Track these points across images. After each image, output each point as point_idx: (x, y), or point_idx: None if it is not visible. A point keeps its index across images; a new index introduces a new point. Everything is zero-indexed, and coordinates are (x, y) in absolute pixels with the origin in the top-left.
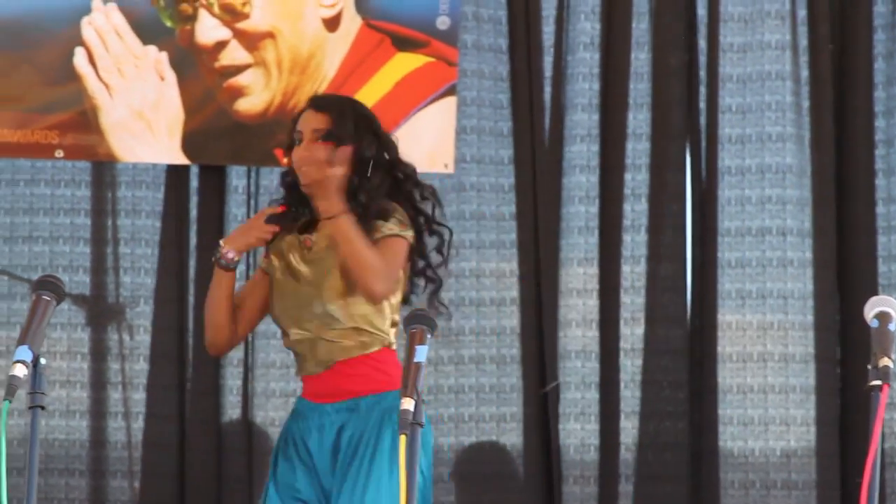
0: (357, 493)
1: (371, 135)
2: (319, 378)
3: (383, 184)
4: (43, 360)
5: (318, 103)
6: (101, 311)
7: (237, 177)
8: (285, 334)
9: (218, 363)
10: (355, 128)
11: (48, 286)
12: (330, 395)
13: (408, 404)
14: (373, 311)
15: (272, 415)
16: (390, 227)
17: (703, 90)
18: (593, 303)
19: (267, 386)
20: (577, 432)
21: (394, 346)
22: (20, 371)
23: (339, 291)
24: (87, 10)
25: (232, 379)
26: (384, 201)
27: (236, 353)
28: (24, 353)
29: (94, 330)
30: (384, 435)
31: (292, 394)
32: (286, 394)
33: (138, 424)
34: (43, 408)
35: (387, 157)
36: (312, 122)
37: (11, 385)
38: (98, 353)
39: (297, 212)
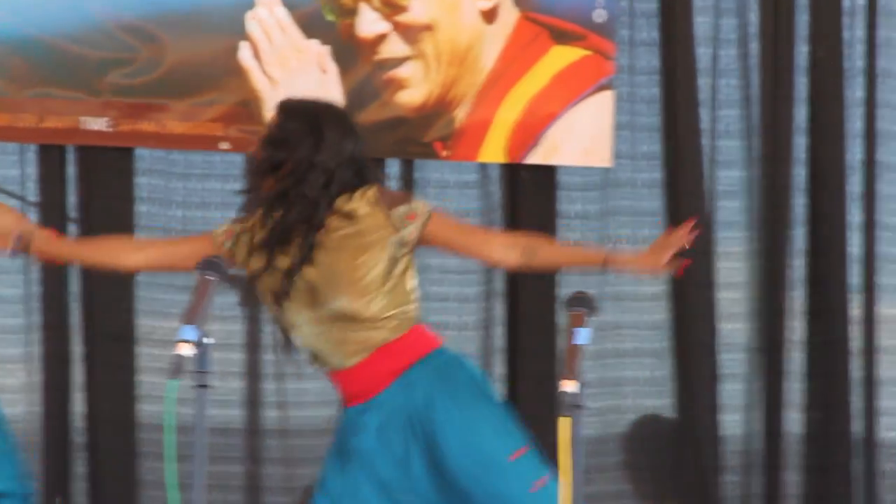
0: (468, 437)
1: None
2: (355, 370)
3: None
4: (208, 340)
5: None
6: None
7: (390, 168)
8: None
9: None
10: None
11: (212, 266)
12: (375, 386)
13: (569, 386)
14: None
15: None
16: (420, 204)
17: (862, 83)
18: (743, 296)
19: None
20: (738, 423)
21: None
22: (186, 350)
23: (358, 287)
24: (251, 5)
25: None
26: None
27: None
28: (190, 332)
29: (247, 321)
30: (453, 379)
31: None
32: None
33: (291, 413)
34: (209, 387)
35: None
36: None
37: (177, 364)
38: (252, 345)
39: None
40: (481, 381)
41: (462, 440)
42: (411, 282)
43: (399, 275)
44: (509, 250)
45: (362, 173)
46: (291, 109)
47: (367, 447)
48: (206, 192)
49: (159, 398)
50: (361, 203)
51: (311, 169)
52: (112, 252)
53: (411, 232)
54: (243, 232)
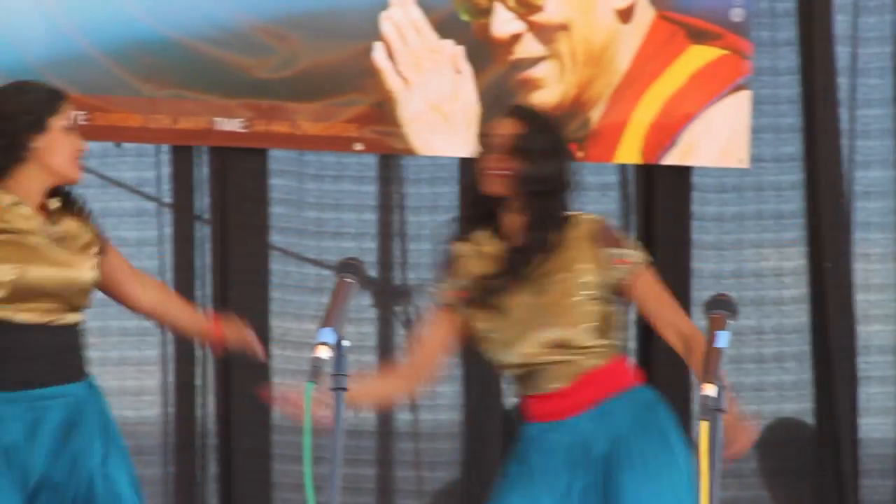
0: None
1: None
2: (557, 395)
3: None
4: (346, 343)
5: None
6: (387, 295)
7: None
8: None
9: None
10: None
11: (350, 269)
12: (571, 409)
13: (709, 390)
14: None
15: None
16: (636, 254)
17: None
18: (885, 298)
19: None
20: (879, 427)
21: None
22: (324, 353)
23: (572, 315)
24: (385, 6)
25: None
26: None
27: None
28: (328, 335)
29: (380, 323)
30: (657, 427)
31: None
32: None
33: (422, 416)
34: (346, 389)
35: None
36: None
37: (315, 367)
38: (385, 347)
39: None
40: (674, 432)
41: (639, 496)
42: (618, 313)
43: (606, 307)
44: (679, 339)
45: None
46: (534, 119)
47: (550, 468)
48: (340, 194)
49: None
50: (577, 230)
51: (562, 188)
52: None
53: (618, 276)
54: (462, 259)
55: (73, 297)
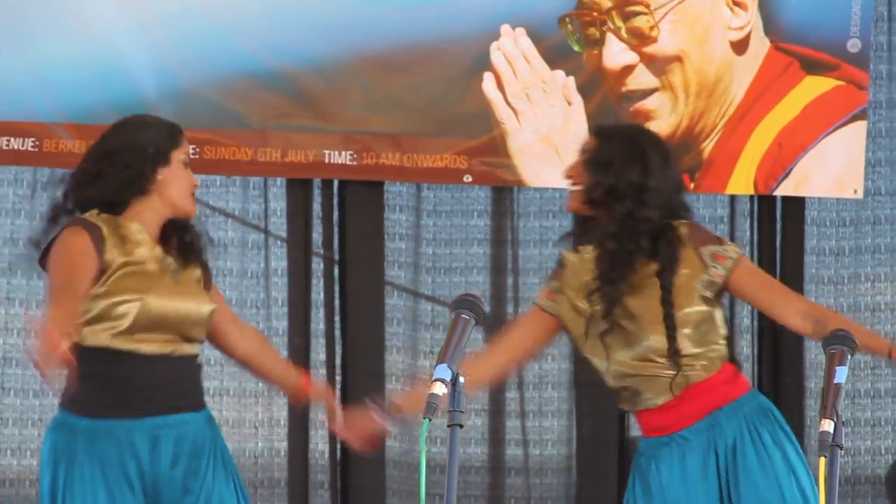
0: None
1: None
2: (663, 409)
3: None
4: (462, 379)
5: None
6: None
7: None
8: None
9: None
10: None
11: (468, 305)
12: (678, 423)
13: (827, 426)
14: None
15: None
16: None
17: None
18: None
19: None
20: None
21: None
22: (439, 389)
23: (674, 322)
24: (495, 36)
25: None
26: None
27: None
28: (444, 371)
29: None
30: (762, 438)
31: None
32: None
33: (531, 450)
34: (461, 426)
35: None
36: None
37: (430, 403)
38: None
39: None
40: (787, 439)
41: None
42: (720, 319)
43: (708, 312)
44: (805, 319)
45: (681, 204)
46: (608, 132)
47: (667, 482)
48: (454, 229)
49: (406, 436)
50: (676, 235)
51: (645, 193)
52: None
53: (719, 273)
54: (567, 268)
55: (190, 329)
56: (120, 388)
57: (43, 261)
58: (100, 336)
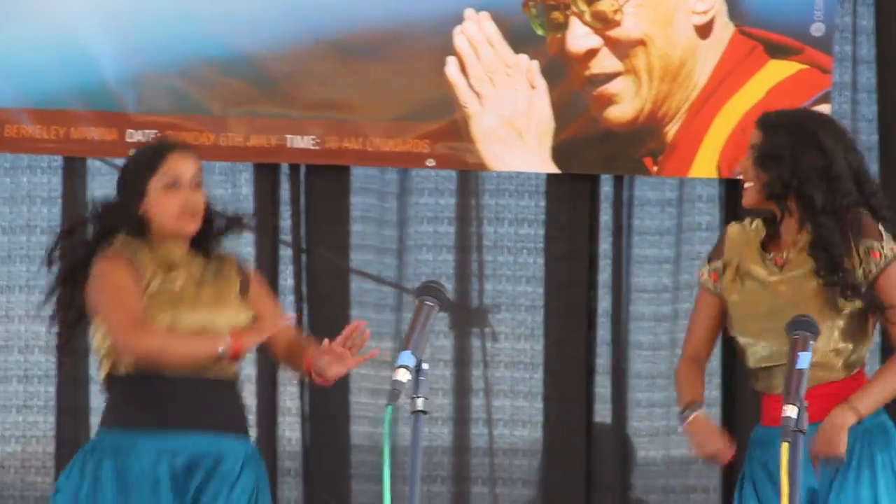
0: None
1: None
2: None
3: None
4: (425, 366)
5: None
6: (464, 317)
7: (607, 185)
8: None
9: (591, 371)
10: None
11: (431, 292)
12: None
13: (790, 411)
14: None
15: (636, 424)
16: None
17: None
18: None
19: (634, 395)
20: None
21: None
22: (403, 376)
23: (822, 312)
24: (459, 20)
25: (602, 387)
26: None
27: (607, 361)
28: (408, 358)
29: (456, 336)
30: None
31: (658, 404)
32: (651, 403)
33: (498, 431)
34: (425, 412)
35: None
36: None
37: (394, 390)
38: (461, 361)
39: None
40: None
41: None
42: (869, 321)
43: (857, 309)
44: None
45: (864, 187)
46: (771, 125)
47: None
48: (419, 207)
49: (370, 419)
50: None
51: (830, 179)
52: None
53: (869, 270)
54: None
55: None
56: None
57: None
58: None
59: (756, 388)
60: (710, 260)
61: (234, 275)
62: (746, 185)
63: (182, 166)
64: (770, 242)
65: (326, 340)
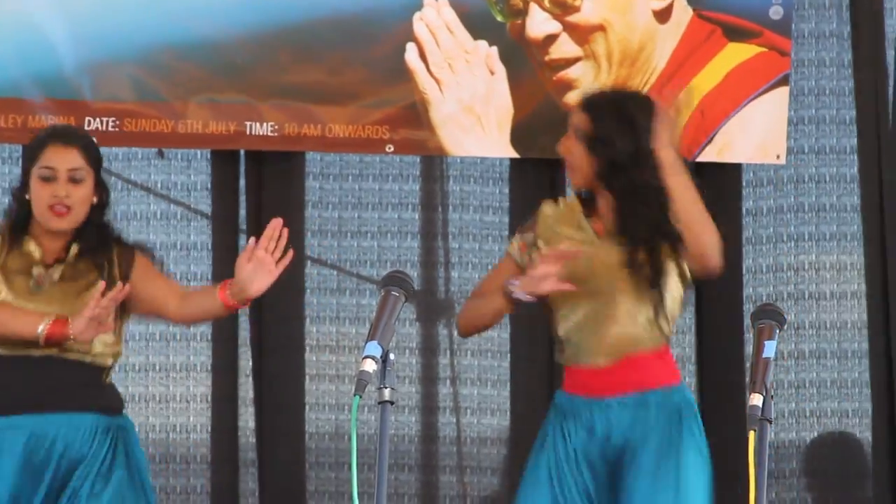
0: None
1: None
2: (604, 371)
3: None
4: (392, 356)
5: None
6: (431, 306)
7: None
8: (561, 322)
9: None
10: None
11: (397, 282)
12: (613, 388)
13: (756, 400)
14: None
15: None
16: None
17: None
18: None
19: None
20: None
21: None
22: (370, 366)
23: (635, 285)
24: (418, 6)
25: None
26: None
27: None
28: (374, 348)
29: (423, 325)
30: (685, 434)
31: None
32: None
33: (466, 419)
34: (392, 403)
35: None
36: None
37: (361, 380)
38: (427, 349)
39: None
40: (701, 446)
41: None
42: (679, 297)
43: (673, 287)
44: None
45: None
46: (598, 106)
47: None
48: (382, 193)
49: (330, 406)
50: None
51: (642, 161)
52: None
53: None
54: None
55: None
56: None
57: None
58: None
59: (561, 361)
60: (520, 231)
61: (93, 278)
62: (570, 165)
63: (58, 158)
64: (589, 216)
65: (252, 239)
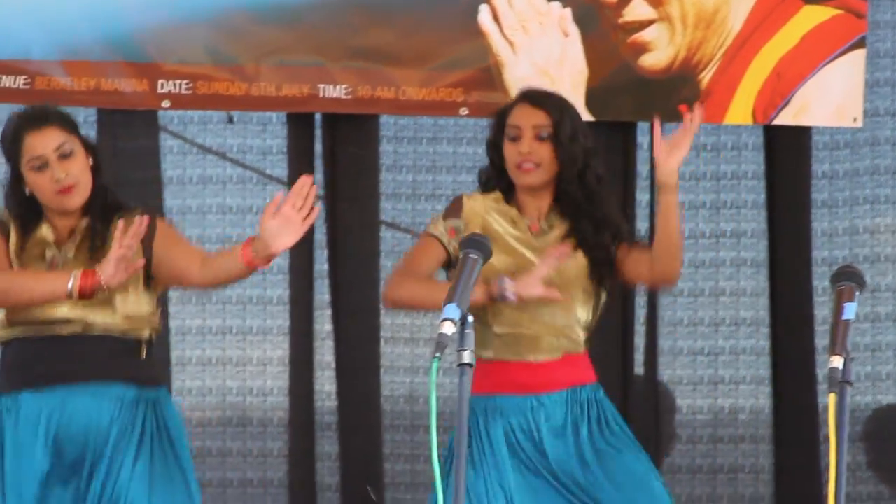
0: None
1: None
2: (541, 367)
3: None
4: (470, 319)
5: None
6: None
7: (642, 133)
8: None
9: (628, 321)
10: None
11: (475, 245)
12: (548, 385)
13: (837, 362)
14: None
15: (679, 373)
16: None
17: None
18: None
19: (674, 344)
20: None
21: None
22: (448, 329)
23: (582, 287)
24: None
25: (638, 337)
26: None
27: (641, 311)
28: (453, 310)
29: None
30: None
31: (700, 352)
32: (693, 351)
33: None
34: (471, 365)
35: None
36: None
37: (440, 342)
38: None
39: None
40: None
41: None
42: (602, 298)
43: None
44: None
45: None
46: (556, 105)
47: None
48: (457, 156)
49: (402, 369)
50: None
51: (592, 163)
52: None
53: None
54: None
55: None
56: None
57: None
58: None
59: (492, 356)
60: (446, 216)
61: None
62: (533, 165)
63: (40, 144)
64: (519, 211)
65: (280, 194)
